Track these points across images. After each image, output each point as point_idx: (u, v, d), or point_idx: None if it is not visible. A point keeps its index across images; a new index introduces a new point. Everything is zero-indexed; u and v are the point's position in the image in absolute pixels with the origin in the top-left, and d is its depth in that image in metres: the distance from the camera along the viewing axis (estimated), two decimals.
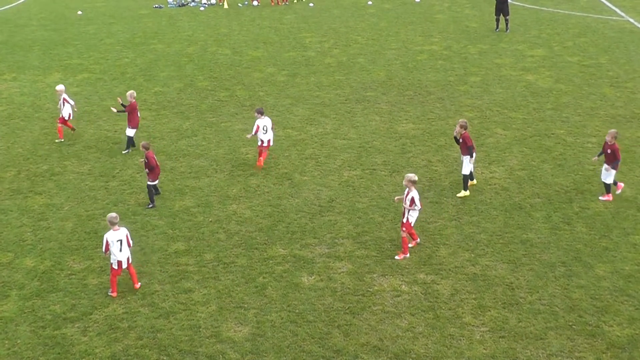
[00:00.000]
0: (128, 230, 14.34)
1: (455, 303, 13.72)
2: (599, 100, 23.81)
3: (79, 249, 15.79)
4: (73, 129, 21.98)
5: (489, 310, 13.47)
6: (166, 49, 31.69)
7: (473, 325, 13.10)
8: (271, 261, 15.21)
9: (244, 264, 15.13)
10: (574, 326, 13.01)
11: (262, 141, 19.34)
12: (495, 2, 33.44)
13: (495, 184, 18.25)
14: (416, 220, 15.29)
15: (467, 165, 17.53)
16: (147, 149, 17.44)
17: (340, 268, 14.83)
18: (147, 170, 17.36)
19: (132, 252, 14.34)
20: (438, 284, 14.30)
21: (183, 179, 19.04)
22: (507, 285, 14.19)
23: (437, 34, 33.17)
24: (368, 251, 15.46)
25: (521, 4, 38.50)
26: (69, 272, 14.93)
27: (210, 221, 16.87)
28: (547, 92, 24.86)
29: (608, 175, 17.25)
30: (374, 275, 14.63)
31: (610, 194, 17.34)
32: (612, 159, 17.12)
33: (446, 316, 13.35)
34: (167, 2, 42.31)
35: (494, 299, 13.82)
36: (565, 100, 23.94)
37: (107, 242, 13.90)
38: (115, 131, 22.17)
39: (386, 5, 40.17)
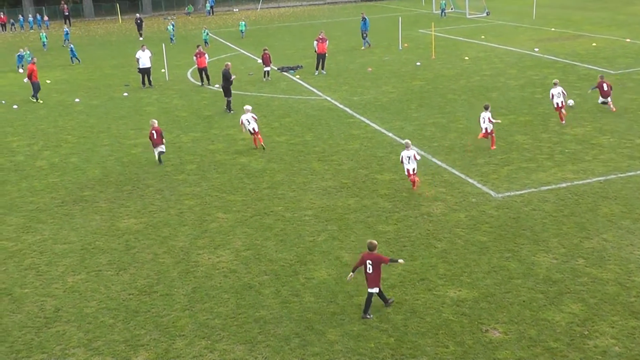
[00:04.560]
0: None
1: None
2: (310, 174, 25.34)
3: None
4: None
5: None
6: None
7: None
8: None
9: None
10: None
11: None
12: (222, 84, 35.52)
13: (223, 268, 18.57)
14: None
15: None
16: None
17: None
18: None
19: None
20: None
21: None
22: None
23: (148, 126, 33.34)
24: (102, 357, 14.87)
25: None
26: None
27: None
28: (261, 172, 25.98)
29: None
30: None
31: None
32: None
33: None
34: None
35: None
36: (279, 178, 25.17)
37: None
38: None
39: (94, 101, 39.83)
